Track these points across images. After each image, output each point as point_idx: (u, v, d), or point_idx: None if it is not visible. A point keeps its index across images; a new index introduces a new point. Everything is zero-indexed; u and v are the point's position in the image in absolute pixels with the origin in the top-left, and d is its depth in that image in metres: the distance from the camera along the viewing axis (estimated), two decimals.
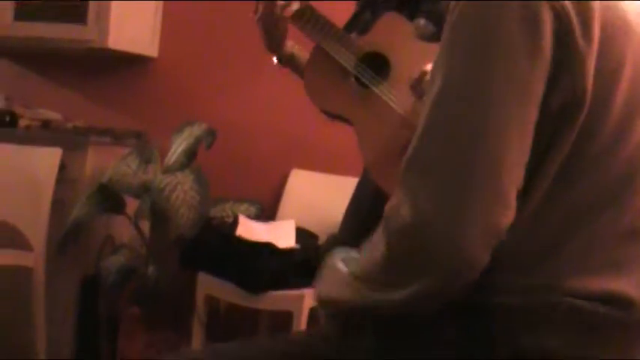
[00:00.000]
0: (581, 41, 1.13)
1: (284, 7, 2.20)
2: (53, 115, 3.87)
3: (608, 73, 1.16)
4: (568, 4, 1.13)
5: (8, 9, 3.76)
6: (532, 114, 1.11)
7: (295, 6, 2.20)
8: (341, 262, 1.26)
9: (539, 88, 1.11)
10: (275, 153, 3.72)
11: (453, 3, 1.18)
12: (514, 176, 1.11)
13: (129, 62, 3.92)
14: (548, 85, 1.12)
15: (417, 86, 2.01)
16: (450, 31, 1.16)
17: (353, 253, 1.25)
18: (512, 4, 1.11)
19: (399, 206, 1.12)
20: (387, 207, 1.14)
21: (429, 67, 1.99)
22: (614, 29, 1.17)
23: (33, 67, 4.11)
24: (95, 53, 3.82)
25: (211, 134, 3.45)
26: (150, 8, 3.83)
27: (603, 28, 1.15)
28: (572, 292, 1.15)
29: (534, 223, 1.15)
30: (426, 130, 1.14)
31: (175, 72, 3.90)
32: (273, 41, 2.27)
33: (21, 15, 3.74)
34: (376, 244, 1.16)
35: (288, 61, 2.32)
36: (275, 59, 2.33)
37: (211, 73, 3.83)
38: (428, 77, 1.97)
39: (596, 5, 1.15)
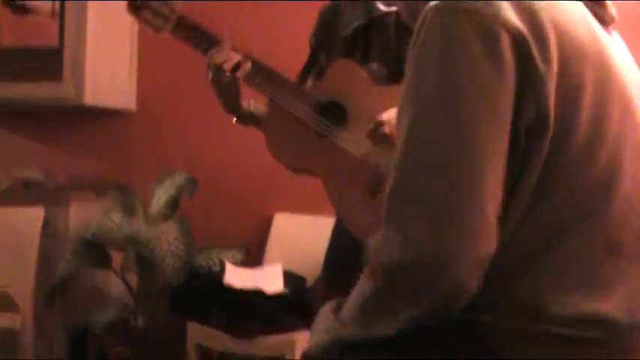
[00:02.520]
0: (540, 64, 1.16)
1: (232, 69, 2.21)
2: (34, 174, 3.87)
3: (570, 93, 1.19)
4: (524, 30, 1.16)
5: None
6: (504, 135, 1.14)
7: (246, 66, 2.21)
8: (330, 310, 1.27)
9: (508, 110, 1.15)
10: (258, 197, 3.73)
11: (414, 37, 1.21)
12: (494, 200, 1.13)
13: (107, 116, 3.93)
14: (515, 107, 1.15)
15: (373, 135, 2.05)
16: (415, 64, 1.19)
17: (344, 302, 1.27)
18: (471, 32, 1.15)
19: (386, 241, 1.14)
20: (374, 243, 1.16)
21: (384, 115, 2.03)
22: (571, 51, 1.21)
23: (10, 126, 4.11)
24: (72, 109, 3.83)
25: (192, 182, 3.47)
26: (125, 61, 3.85)
27: (560, 51, 1.19)
28: (550, 316, 1.16)
29: (512, 242, 1.17)
30: (404, 161, 1.16)
31: (154, 123, 3.91)
32: (229, 102, 2.28)
33: None
34: (364, 283, 1.18)
35: (247, 120, 2.33)
36: (234, 119, 2.34)
37: (190, 121, 3.84)
38: (384, 126, 2.02)
39: (551, 32, 1.19)
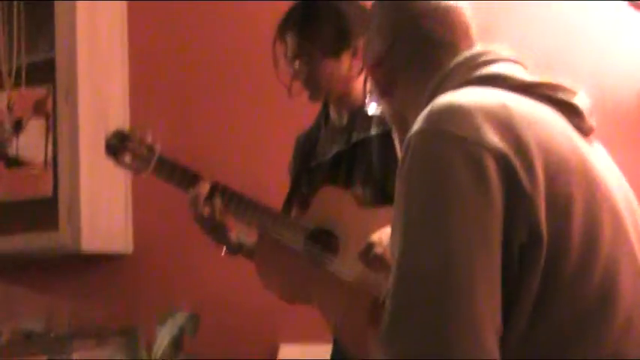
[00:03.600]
0: (527, 184, 1.17)
1: (210, 202, 2.23)
2: (35, 325, 3.84)
3: (560, 210, 1.20)
4: (508, 151, 1.17)
5: None
6: (496, 258, 1.15)
7: (218, 202, 2.24)
8: None
9: (497, 235, 1.15)
10: (261, 329, 3.69)
11: (400, 161, 1.23)
12: (491, 324, 1.13)
13: (105, 260, 3.93)
14: (506, 229, 1.16)
15: (366, 258, 2.06)
16: (403, 191, 1.20)
17: None
18: (457, 158, 1.17)
19: None
20: None
21: (374, 237, 2.04)
22: (557, 166, 1.22)
23: (8, 279, 4.10)
24: (70, 257, 3.83)
25: (194, 320, 3.44)
26: (119, 204, 3.87)
27: (546, 168, 1.20)
28: None
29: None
30: (397, 291, 1.17)
31: (152, 263, 3.90)
32: (216, 236, 2.30)
33: None
34: None
35: (237, 251, 2.35)
36: (224, 250, 2.35)
37: (188, 258, 3.83)
38: (375, 248, 2.02)
39: (535, 150, 1.20)
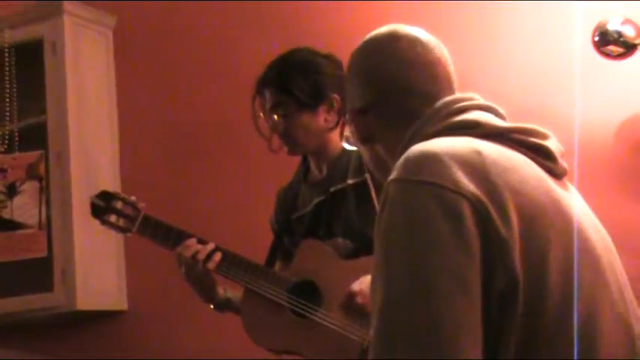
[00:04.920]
0: (502, 229, 1.19)
1: (204, 261, 2.27)
2: None
3: (536, 254, 1.22)
4: (483, 197, 1.20)
5: None
6: (476, 304, 1.17)
7: (217, 257, 2.28)
8: None
9: (476, 278, 1.17)
10: None
11: (379, 210, 1.25)
12: None
13: (100, 318, 3.94)
14: (484, 274, 1.18)
15: (347, 307, 2.09)
16: (382, 240, 1.22)
17: None
18: (433, 207, 1.19)
19: None
20: None
21: (355, 286, 2.08)
22: (531, 212, 1.24)
23: (4, 340, 4.08)
24: (66, 316, 3.85)
25: None
26: (113, 262, 3.91)
27: (520, 214, 1.22)
28: None
29: None
30: (378, 341, 1.18)
31: (147, 320, 3.91)
32: (205, 293, 2.34)
33: None
34: None
35: (225, 307, 2.39)
36: (212, 306, 2.39)
37: (182, 314, 3.84)
38: (357, 298, 2.05)
39: (508, 195, 1.22)
